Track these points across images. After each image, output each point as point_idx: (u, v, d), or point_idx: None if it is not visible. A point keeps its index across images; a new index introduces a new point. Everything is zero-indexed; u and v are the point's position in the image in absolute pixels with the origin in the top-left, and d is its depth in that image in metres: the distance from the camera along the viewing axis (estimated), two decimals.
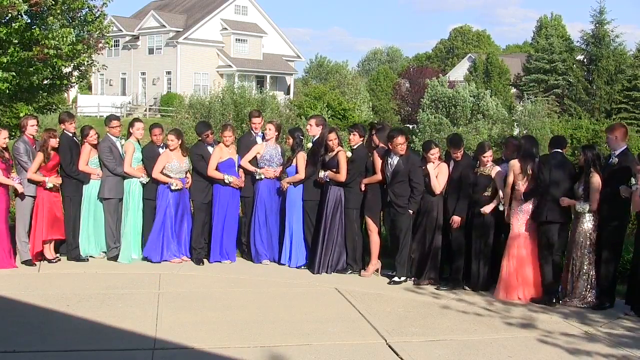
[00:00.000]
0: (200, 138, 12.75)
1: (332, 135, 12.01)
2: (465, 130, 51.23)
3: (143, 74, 76.99)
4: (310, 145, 12.38)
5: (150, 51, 76.74)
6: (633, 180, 9.98)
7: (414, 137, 54.74)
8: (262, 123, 13.11)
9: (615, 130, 10.73)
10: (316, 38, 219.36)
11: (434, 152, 11.54)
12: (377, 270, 12.05)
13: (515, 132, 54.83)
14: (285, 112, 46.23)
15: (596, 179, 10.33)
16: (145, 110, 69.14)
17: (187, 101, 48.93)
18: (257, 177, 12.45)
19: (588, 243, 10.47)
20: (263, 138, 12.82)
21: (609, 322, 9.70)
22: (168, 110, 60.97)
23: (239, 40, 76.02)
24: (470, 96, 55.09)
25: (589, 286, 10.49)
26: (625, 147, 10.58)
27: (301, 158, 12.23)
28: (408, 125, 62.92)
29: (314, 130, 12.38)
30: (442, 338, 8.77)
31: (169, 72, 74.49)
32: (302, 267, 12.29)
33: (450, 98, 54.40)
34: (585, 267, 10.48)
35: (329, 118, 54.41)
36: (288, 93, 77.03)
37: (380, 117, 69.64)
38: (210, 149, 12.54)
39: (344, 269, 12.01)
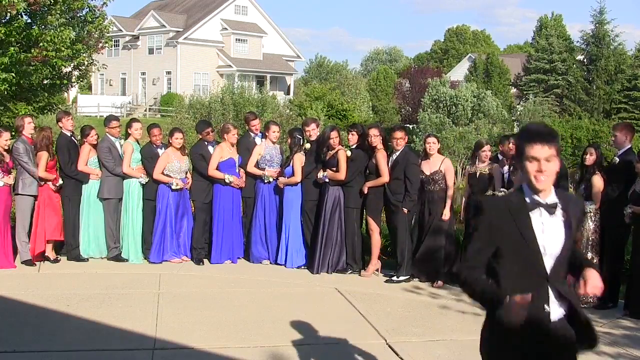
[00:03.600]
0: (200, 137, 12.78)
1: (334, 133, 12.03)
2: (466, 130, 51.29)
3: (143, 74, 77.03)
4: (308, 145, 12.36)
5: (150, 51, 76.78)
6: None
7: (414, 137, 54.81)
8: (260, 123, 13.21)
9: (621, 129, 10.75)
10: (316, 38, 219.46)
11: (430, 141, 11.58)
12: (377, 270, 12.05)
13: (517, 131, 54.77)
14: (286, 112, 46.24)
15: (598, 179, 10.35)
16: (145, 110, 69.16)
17: (187, 101, 48.96)
18: (266, 181, 12.49)
19: (589, 243, 10.48)
20: (263, 138, 12.84)
21: (608, 322, 9.71)
22: (168, 110, 60.99)
23: (239, 40, 76.05)
24: (472, 96, 55.11)
25: None
26: (629, 147, 10.58)
27: (297, 160, 12.23)
28: (408, 125, 62.91)
29: (316, 133, 12.42)
30: (442, 338, 8.77)
31: (169, 72, 74.53)
32: (302, 267, 12.29)
33: (451, 98, 54.39)
34: None
35: (328, 118, 54.40)
36: (288, 93, 77.05)
37: (381, 117, 69.62)
38: (210, 148, 12.56)
39: (344, 269, 12.01)
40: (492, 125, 52.55)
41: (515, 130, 54.39)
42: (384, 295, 10.71)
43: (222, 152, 12.40)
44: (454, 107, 53.66)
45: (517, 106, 62.76)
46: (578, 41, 73.20)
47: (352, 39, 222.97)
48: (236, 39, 75.89)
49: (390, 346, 8.32)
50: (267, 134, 12.74)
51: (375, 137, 11.75)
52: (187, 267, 12.27)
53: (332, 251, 11.93)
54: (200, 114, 40.88)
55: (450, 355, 8.14)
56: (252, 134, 13.06)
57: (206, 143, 12.66)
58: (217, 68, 75.47)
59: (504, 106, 58.64)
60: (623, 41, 70.59)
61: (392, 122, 71.62)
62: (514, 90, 76.27)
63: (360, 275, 11.93)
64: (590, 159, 10.57)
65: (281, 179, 12.30)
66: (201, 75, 74.21)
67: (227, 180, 12.28)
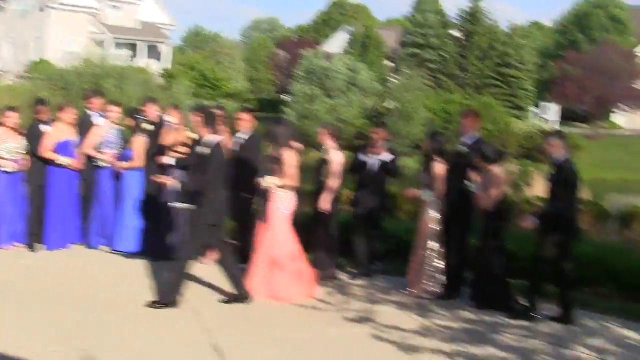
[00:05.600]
0: (36, 116, 12.01)
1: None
2: (338, 103, 51.51)
3: (11, 38, 73.92)
4: (149, 127, 11.67)
5: (20, 15, 73.70)
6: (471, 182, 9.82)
7: (286, 108, 54.81)
8: (102, 103, 12.51)
9: (468, 117, 10.58)
10: (195, 5, 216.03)
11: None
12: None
13: (390, 105, 55.15)
14: (155, 82, 45.16)
15: (438, 167, 10.14)
16: (14, 77, 66.40)
17: (57, 68, 47.25)
18: (101, 165, 11.85)
19: (432, 232, 10.24)
20: (103, 117, 12.16)
21: (450, 315, 9.48)
22: (36, 78, 58.76)
23: (113, 6, 73.77)
24: (346, 69, 55.27)
25: (432, 276, 10.26)
26: (478, 137, 10.39)
27: (137, 143, 11.57)
28: (283, 96, 62.65)
29: (155, 114, 11.81)
30: (271, 336, 8.31)
31: (39, 38, 71.71)
32: (137, 253, 11.59)
33: (324, 70, 54.40)
34: (429, 257, 10.24)
35: (199, 88, 53.58)
36: (162, 61, 75.44)
37: (256, 88, 69.17)
38: (46, 128, 11.79)
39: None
40: (365, 98, 52.86)
41: (389, 103, 54.76)
42: (218, 292, 10.12)
43: (58, 132, 11.66)
44: (327, 80, 53.67)
45: (392, 79, 63.16)
46: (454, 17, 74.14)
47: (232, 8, 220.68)
48: (111, 5, 73.58)
49: (212, 345, 7.82)
50: (106, 114, 12.07)
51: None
52: (17, 254, 11.48)
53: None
54: (58, 85, 39.38)
55: (277, 356, 7.71)
56: (92, 113, 12.35)
57: (41, 122, 11.88)
58: (90, 34, 72.95)
59: (378, 79, 59.01)
60: (496, 19, 72.03)
61: (268, 93, 71.33)
62: (389, 63, 76.77)
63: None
64: (428, 144, 10.40)
65: (120, 163, 11.65)
66: (73, 42, 71.61)
67: (62, 162, 11.55)
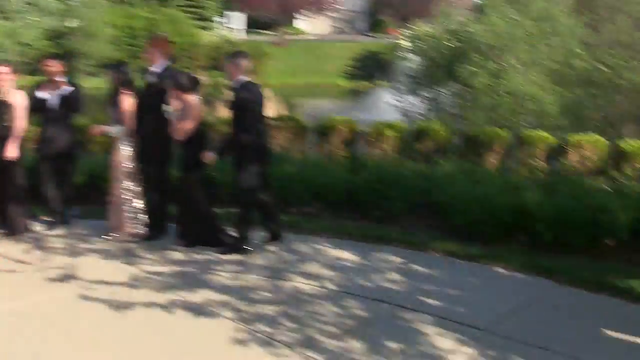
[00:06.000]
0: None
1: None
2: (17, 25, 48.48)
3: None
4: None
5: None
6: (168, 108, 9.22)
7: None
8: None
9: (156, 44, 9.87)
10: None
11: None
12: None
13: (72, 24, 52.64)
14: None
15: (126, 100, 9.45)
16: None
17: None
18: None
19: (126, 171, 9.59)
20: None
21: (158, 258, 8.92)
22: None
23: None
24: None
25: (133, 218, 9.64)
26: (167, 64, 9.73)
27: None
28: None
29: None
30: None
31: None
32: None
33: None
34: (127, 198, 9.60)
35: None
36: None
37: None
38: None
39: None
40: (44, 17, 50.16)
41: (72, 22, 52.26)
42: None
43: None
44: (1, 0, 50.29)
45: None
46: None
47: None
48: None
49: None
50: None
51: None
52: None
53: None
54: None
55: None
56: None
57: None
58: None
59: None
60: None
61: None
62: None
63: None
64: (113, 76, 9.66)
65: None
66: None
67: None
